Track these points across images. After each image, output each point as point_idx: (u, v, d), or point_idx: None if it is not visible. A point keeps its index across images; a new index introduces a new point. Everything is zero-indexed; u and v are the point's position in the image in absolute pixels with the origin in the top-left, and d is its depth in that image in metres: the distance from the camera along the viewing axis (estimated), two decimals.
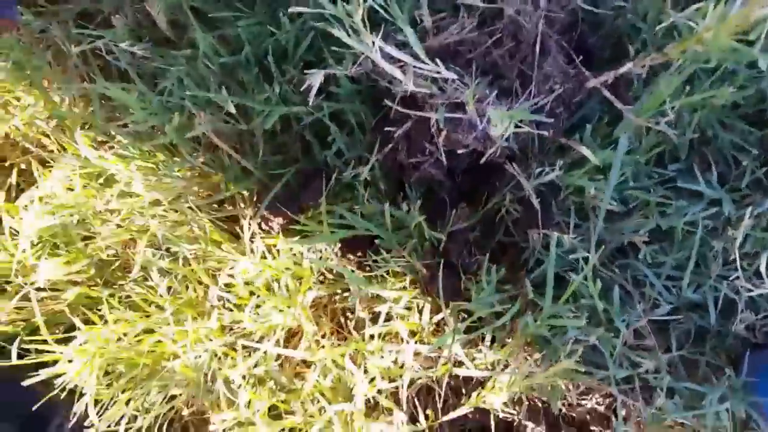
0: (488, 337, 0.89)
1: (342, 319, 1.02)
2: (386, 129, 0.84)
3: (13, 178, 1.07)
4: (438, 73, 0.74)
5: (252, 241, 0.96)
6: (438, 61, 0.73)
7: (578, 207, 0.85)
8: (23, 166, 1.08)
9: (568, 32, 0.82)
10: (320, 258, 0.94)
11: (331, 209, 0.90)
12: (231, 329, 0.97)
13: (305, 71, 0.89)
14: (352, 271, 0.93)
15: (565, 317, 0.81)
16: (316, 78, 0.74)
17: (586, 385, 0.90)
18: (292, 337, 1.03)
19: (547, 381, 0.86)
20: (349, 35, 0.73)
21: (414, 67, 0.74)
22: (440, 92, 0.77)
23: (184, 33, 0.93)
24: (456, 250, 0.87)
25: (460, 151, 0.81)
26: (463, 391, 0.99)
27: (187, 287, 0.98)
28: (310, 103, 0.77)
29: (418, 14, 0.79)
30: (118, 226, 0.95)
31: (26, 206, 0.96)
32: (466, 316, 0.87)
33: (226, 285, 0.95)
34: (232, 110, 0.90)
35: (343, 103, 0.89)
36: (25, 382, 0.90)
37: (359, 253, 0.95)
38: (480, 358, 0.90)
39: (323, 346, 0.96)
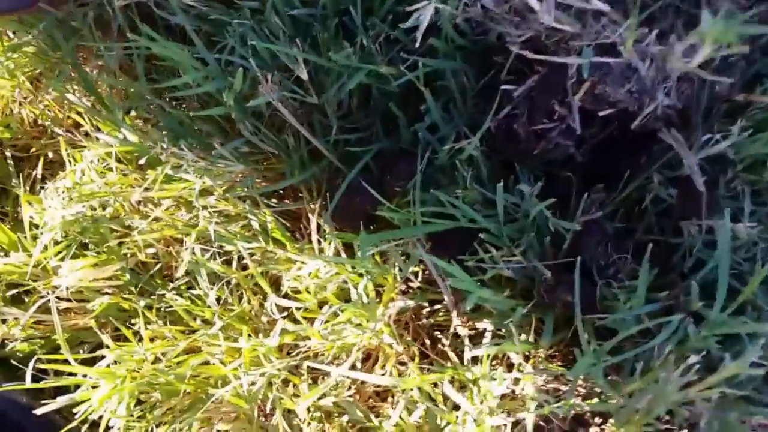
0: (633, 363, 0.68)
1: (427, 340, 0.82)
2: (503, 88, 0.66)
3: (39, 170, 0.92)
4: (586, 1, 0.56)
5: (320, 241, 0.78)
6: None
7: (754, 188, 0.66)
8: (51, 155, 0.92)
9: None
10: (407, 259, 0.75)
11: (423, 198, 0.72)
12: (294, 348, 0.78)
13: (391, 31, 0.74)
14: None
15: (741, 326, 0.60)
16: (425, 12, 0.57)
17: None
18: (365, 360, 0.83)
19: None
20: None
21: None
22: (581, 28, 0.59)
23: None
24: (591, 246, 0.68)
25: (602, 113, 0.63)
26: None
27: (240, 297, 0.80)
28: (417, 45, 0.60)
29: None
30: (158, 220, 0.78)
31: (51, 197, 0.80)
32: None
33: (292, 291, 0.76)
34: (304, 75, 0.73)
35: (443, 61, 0.71)
36: (40, 410, 0.72)
37: (455, 252, 0.75)
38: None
39: (409, 373, 0.76)
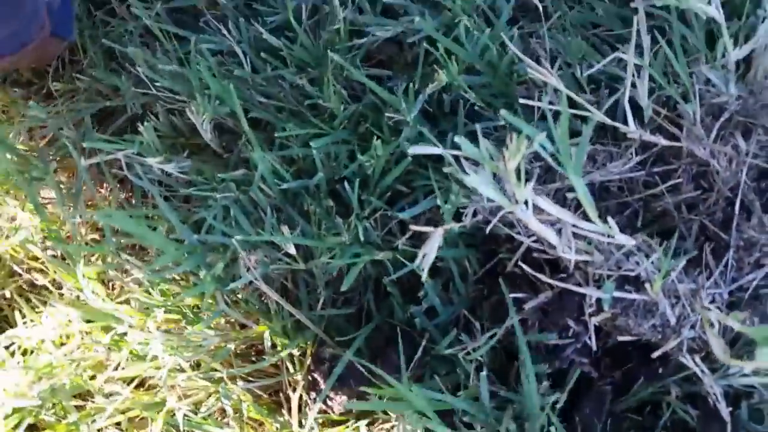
0: None
1: None
2: (512, 296, 0.59)
3: None
4: (608, 237, 0.50)
5: (302, 425, 0.70)
6: (610, 220, 0.50)
7: None
8: (7, 294, 0.83)
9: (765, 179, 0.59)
10: None
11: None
12: None
13: (388, 209, 0.68)
14: None
15: None
16: (432, 243, 0.50)
17: None
18: None
19: None
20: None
21: (573, 226, 0.51)
22: (603, 259, 0.53)
23: (235, 143, 0.71)
24: None
25: (621, 338, 0.57)
26: None
27: None
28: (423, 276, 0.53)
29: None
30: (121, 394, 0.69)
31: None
32: None
33: None
34: (292, 250, 0.67)
35: (445, 249, 0.65)
36: None
37: None
38: None
39: None
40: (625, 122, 0.57)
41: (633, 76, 0.53)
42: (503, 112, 0.46)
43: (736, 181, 0.56)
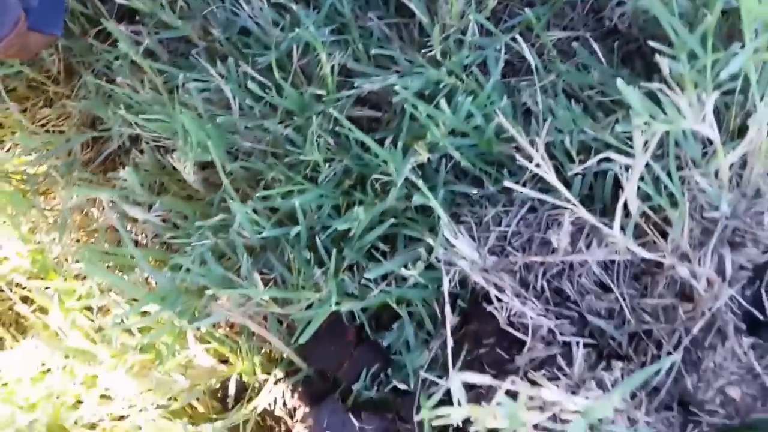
0: None
1: None
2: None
3: None
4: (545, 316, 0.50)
5: None
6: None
7: None
8: None
9: (749, 286, 0.58)
10: None
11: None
12: None
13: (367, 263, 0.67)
14: None
15: None
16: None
17: None
18: None
19: None
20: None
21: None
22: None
23: (217, 189, 0.71)
24: None
25: None
26: None
27: None
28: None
29: None
30: None
31: None
32: None
33: None
34: (266, 296, 0.67)
35: (414, 292, 0.65)
36: None
37: None
38: None
39: None
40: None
41: (623, 169, 0.52)
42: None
43: (716, 306, 0.55)
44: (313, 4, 0.77)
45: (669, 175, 0.56)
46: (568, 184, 0.68)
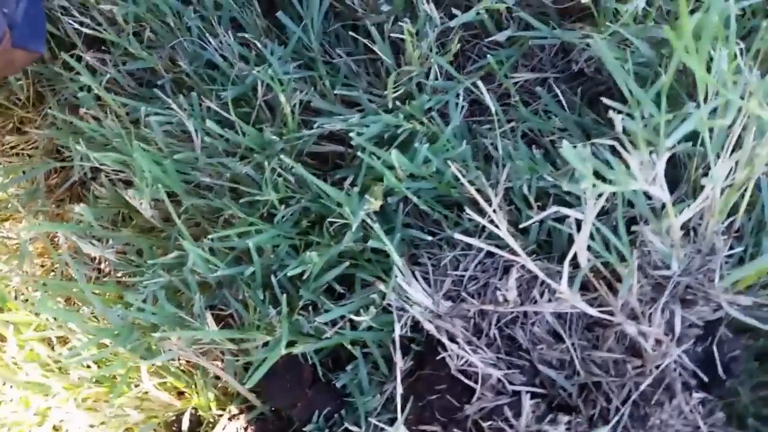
0: None
1: None
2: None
3: None
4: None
5: None
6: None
7: None
8: None
9: (700, 342, 0.58)
10: None
11: None
12: None
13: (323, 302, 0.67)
14: None
15: None
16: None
17: None
18: None
19: None
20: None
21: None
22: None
23: (175, 223, 0.70)
24: None
25: None
26: None
27: None
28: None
29: None
30: None
31: None
32: None
33: None
34: (220, 336, 0.67)
35: (369, 335, 0.65)
36: None
37: None
38: None
39: None
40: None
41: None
42: None
43: (664, 363, 0.55)
44: (281, 38, 0.77)
45: (620, 234, 0.55)
46: (525, 230, 0.68)
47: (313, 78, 0.74)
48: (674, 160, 0.68)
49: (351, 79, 0.76)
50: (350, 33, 0.76)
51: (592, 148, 0.56)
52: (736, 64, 0.52)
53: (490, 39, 0.72)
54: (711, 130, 0.56)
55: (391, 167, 0.62)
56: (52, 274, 0.73)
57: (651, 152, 0.49)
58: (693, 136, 0.58)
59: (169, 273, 0.65)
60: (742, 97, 0.50)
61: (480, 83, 0.65)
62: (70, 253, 0.65)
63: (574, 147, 0.46)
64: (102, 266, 0.76)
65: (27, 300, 0.73)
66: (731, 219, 0.61)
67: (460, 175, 0.56)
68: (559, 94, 0.69)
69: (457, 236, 0.56)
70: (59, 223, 0.70)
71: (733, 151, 0.56)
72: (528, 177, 0.64)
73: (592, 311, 0.55)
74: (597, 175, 0.46)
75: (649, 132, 0.51)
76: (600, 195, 0.49)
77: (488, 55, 0.67)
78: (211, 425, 0.72)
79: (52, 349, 0.77)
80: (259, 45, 0.70)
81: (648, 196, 0.57)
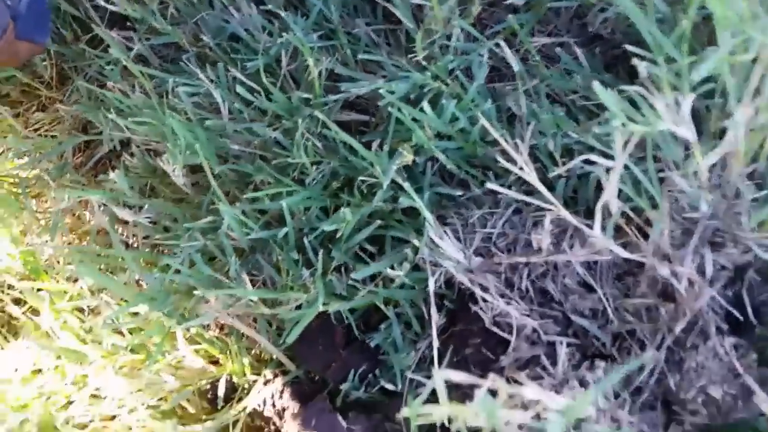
0: None
1: None
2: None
3: None
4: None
5: None
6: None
7: None
8: None
9: (730, 286, 0.59)
10: None
11: None
12: None
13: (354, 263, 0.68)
14: None
15: None
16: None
17: None
18: None
19: None
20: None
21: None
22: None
23: (206, 191, 0.72)
24: None
25: None
26: None
27: None
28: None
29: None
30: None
31: None
32: None
33: None
34: (254, 297, 0.68)
35: (401, 293, 0.66)
36: None
37: None
38: None
39: None
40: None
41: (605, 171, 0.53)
42: None
43: (698, 306, 0.56)
44: (302, 11, 0.79)
45: (650, 177, 0.57)
46: (551, 187, 0.69)
47: (335, 47, 0.76)
48: (696, 112, 0.69)
49: (371, 48, 0.77)
50: (369, 2, 0.77)
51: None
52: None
53: (508, 2, 0.73)
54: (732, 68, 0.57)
55: (420, 127, 0.63)
56: (84, 244, 0.74)
57: (675, 96, 0.51)
58: (712, 92, 0.60)
59: (204, 237, 0.66)
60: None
61: (502, 43, 0.66)
62: (107, 217, 0.66)
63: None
64: (131, 240, 0.77)
65: (59, 273, 0.74)
66: (753, 166, 0.62)
67: (489, 126, 0.58)
68: (579, 54, 0.71)
69: (489, 185, 0.57)
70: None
71: (754, 96, 0.57)
72: (553, 132, 0.66)
73: (626, 254, 0.56)
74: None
75: (672, 76, 0.53)
76: (629, 139, 0.50)
77: (510, 16, 0.68)
78: (245, 391, 0.73)
79: (84, 322, 0.78)
80: (282, 14, 0.71)
81: (674, 138, 0.58)
